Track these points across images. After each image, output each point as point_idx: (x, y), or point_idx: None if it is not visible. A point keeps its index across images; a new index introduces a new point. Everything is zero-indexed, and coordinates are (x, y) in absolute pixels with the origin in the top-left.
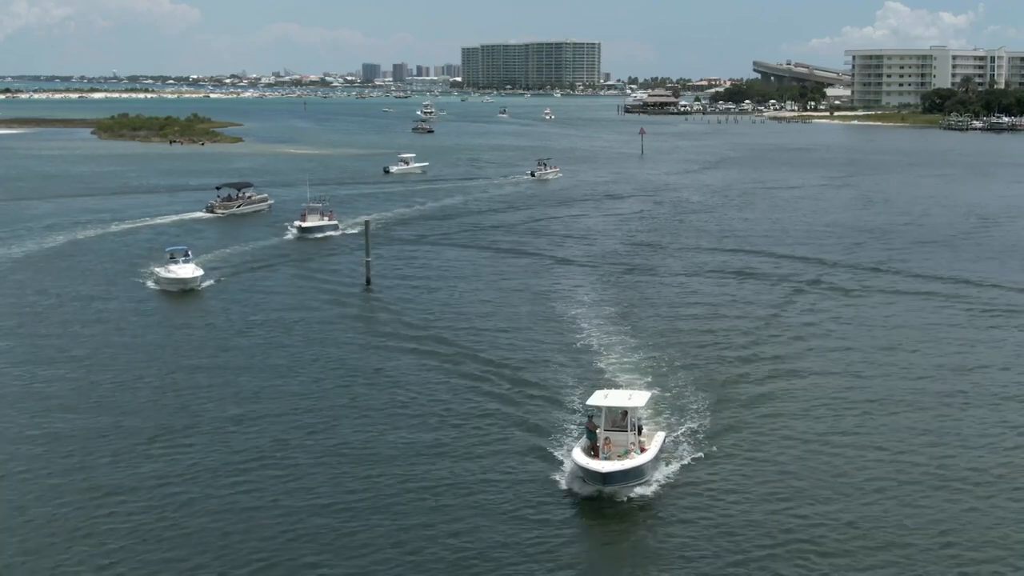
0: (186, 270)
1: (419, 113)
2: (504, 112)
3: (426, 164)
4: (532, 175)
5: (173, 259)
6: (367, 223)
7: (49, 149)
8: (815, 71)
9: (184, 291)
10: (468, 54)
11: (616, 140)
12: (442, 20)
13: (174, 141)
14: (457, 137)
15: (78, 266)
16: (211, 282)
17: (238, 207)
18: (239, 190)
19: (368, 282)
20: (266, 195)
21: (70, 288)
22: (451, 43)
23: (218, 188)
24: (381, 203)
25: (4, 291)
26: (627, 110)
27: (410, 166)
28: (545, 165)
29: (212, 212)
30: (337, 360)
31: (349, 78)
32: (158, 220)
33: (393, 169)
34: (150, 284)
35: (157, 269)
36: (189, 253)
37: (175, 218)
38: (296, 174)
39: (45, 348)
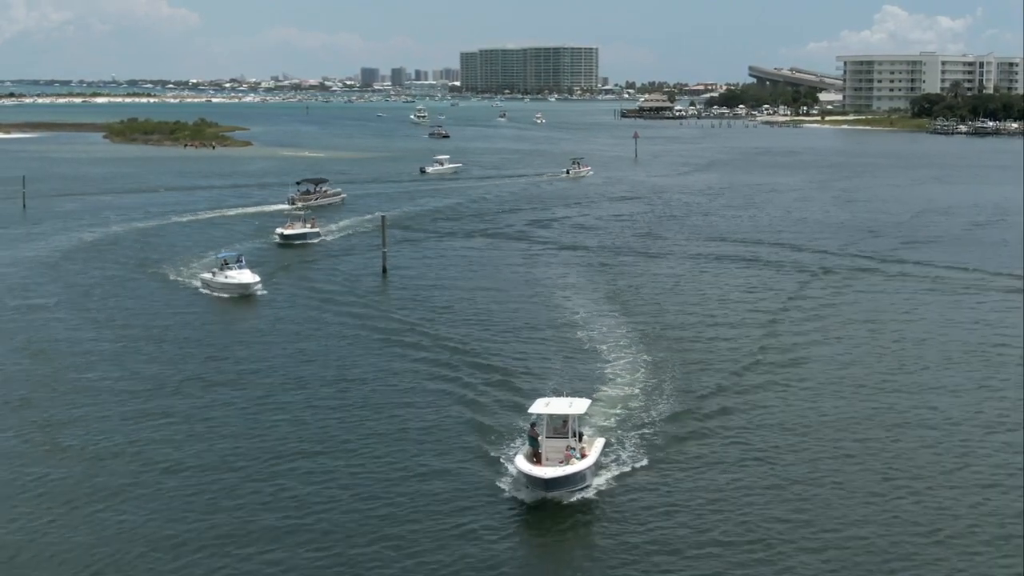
0: (245, 275)
1: (412, 117)
2: (504, 116)
3: (459, 165)
4: (567, 173)
5: (227, 265)
6: (383, 218)
7: (67, 152)
8: (809, 76)
9: (243, 296)
10: (467, 58)
11: (611, 144)
12: (441, 24)
13: (188, 144)
14: (468, 141)
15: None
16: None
17: (315, 200)
18: (316, 185)
19: (384, 271)
20: (340, 189)
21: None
22: (450, 47)
23: (298, 183)
24: (423, 199)
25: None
26: (623, 115)
27: (444, 167)
28: (579, 164)
29: (293, 204)
30: (326, 356)
31: (348, 82)
32: (250, 210)
33: (429, 170)
34: (201, 289)
35: (206, 275)
36: (243, 259)
37: (255, 209)
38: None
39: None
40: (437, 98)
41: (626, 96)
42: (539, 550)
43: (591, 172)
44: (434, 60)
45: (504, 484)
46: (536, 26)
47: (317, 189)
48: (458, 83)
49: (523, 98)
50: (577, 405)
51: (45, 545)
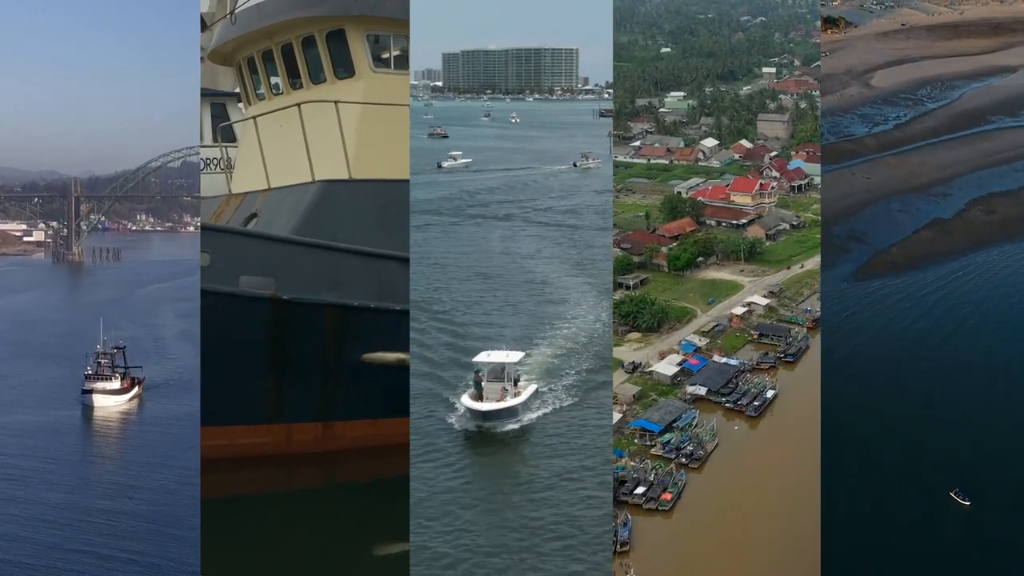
0: None
1: None
2: (488, 116)
3: (470, 160)
4: (575, 165)
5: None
6: None
7: None
8: None
9: None
10: (449, 59)
11: (587, 142)
12: (422, 26)
13: None
14: (459, 140)
15: None
16: None
17: None
18: None
19: None
20: None
21: None
22: (431, 48)
23: None
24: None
25: None
26: (601, 114)
27: (458, 161)
28: (587, 158)
29: None
30: None
31: None
32: None
33: (445, 164)
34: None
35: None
36: None
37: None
38: None
39: None
40: (420, 99)
41: (605, 96)
42: (471, 469)
43: (600, 164)
44: (416, 61)
45: (452, 418)
46: (518, 27)
47: None
48: (440, 83)
49: (504, 98)
50: (512, 356)
51: None
